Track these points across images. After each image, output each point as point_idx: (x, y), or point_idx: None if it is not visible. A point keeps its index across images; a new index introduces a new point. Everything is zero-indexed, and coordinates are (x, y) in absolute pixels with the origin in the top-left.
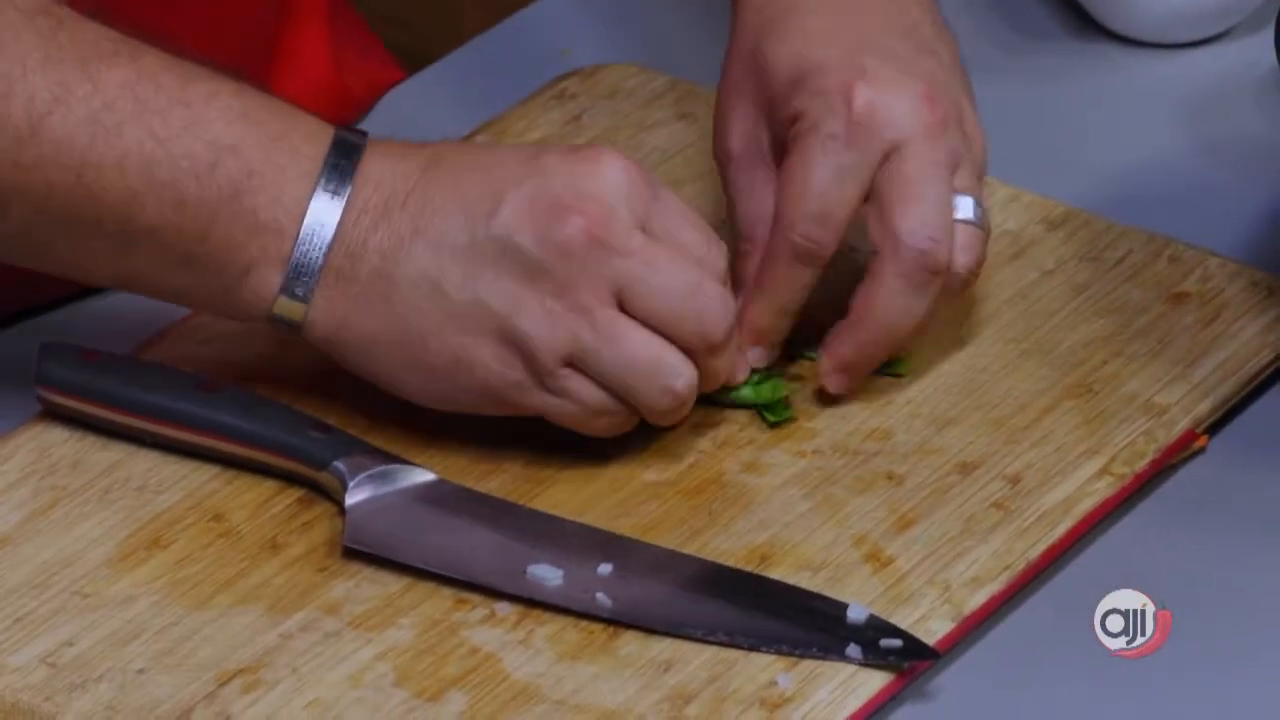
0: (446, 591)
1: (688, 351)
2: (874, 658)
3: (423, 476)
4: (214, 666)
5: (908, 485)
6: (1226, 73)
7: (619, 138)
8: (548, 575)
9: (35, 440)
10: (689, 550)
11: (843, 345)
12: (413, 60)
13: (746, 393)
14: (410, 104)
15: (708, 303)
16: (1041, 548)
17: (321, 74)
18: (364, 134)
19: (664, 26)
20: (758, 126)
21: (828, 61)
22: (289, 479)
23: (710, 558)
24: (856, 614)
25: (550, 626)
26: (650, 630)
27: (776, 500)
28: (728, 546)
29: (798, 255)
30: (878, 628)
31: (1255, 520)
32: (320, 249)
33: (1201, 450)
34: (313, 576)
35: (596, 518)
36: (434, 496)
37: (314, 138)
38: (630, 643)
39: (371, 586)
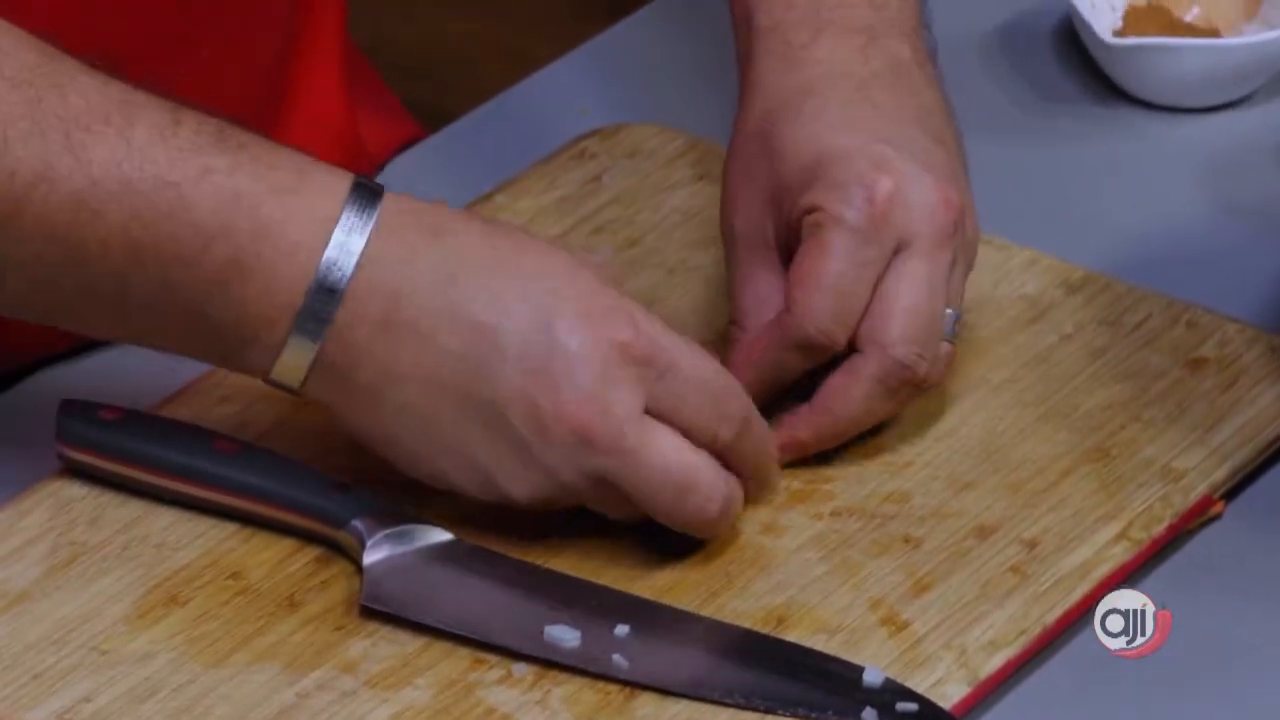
0: (463, 651)
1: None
2: None
3: (440, 536)
4: None
5: (925, 548)
6: (1247, 138)
7: (639, 198)
8: (565, 636)
9: (54, 496)
10: (706, 612)
11: (801, 429)
12: (432, 116)
13: None
14: (430, 160)
15: (685, 497)
16: (1058, 612)
17: (334, 124)
18: (369, 216)
19: (683, 85)
20: (764, 212)
21: (847, 151)
22: (307, 537)
23: (727, 619)
24: (873, 677)
25: (567, 687)
26: (667, 692)
27: (793, 562)
28: (744, 608)
29: (808, 346)
30: (894, 691)
31: (1271, 585)
32: (310, 350)
33: (1218, 516)
34: (330, 635)
35: (614, 579)
36: (452, 556)
37: (316, 224)
38: (647, 704)
39: (388, 645)
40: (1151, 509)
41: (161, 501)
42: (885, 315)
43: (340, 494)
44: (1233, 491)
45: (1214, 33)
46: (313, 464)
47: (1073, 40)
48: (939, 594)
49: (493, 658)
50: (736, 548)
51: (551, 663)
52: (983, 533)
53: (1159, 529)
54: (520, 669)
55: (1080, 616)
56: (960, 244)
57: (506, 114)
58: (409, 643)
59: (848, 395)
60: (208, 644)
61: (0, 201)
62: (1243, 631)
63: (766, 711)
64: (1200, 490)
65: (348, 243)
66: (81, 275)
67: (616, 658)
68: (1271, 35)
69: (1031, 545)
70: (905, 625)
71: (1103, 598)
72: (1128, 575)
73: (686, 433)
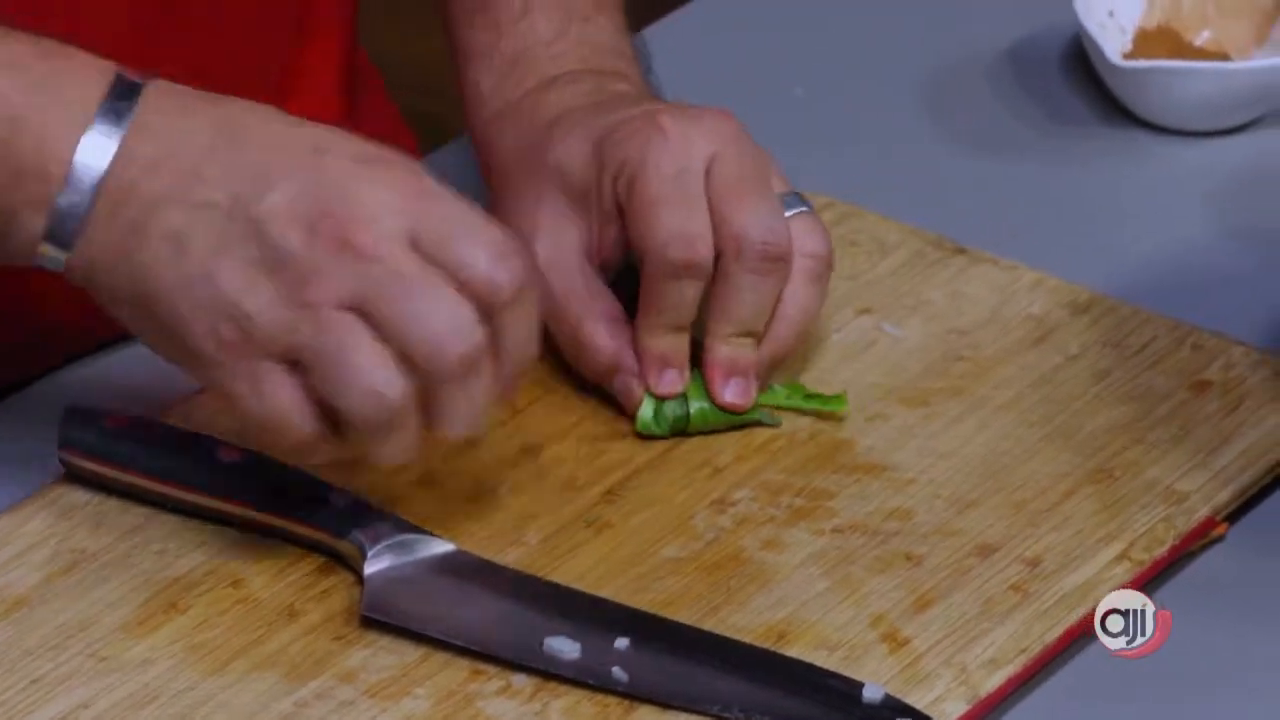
0: (463, 662)
1: (423, 376)
2: None
3: (442, 547)
4: None
5: (926, 566)
6: (1255, 162)
7: None
8: (565, 648)
9: (56, 502)
10: (707, 626)
11: (716, 349)
12: (438, 130)
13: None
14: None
15: (443, 326)
16: (1059, 631)
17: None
18: (151, 75)
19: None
20: (591, 228)
21: (615, 121)
22: (309, 547)
23: (727, 634)
24: (872, 693)
25: (566, 700)
26: (666, 705)
27: (795, 578)
28: (745, 623)
29: (676, 272)
30: (893, 707)
31: (1273, 608)
32: (86, 196)
33: (1221, 538)
34: (329, 644)
35: (615, 591)
36: (452, 567)
37: (90, 81)
38: (646, 718)
39: (388, 656)
40: (1154, 530)
41: (163, 509)
42: (725, 217)
43: (342, 503)
44: (1235, 514)
45: (1224, 57)
46: (315, 474)
47: (1082, 62)
48: (940, 611)
49: (492, 669)
50: (738, 562)
51: (551, 675)
52: (984, 551)
53: (1161, 550)
54: (519, 680)
55: (1081, 636)
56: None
57: None
58: (408, 653)
59: (730, 300)
60: (207, 652)
61: None
62: (1243, 654)
63: None
64: (1203, 512)
65: (128, 81)
66: None
67: (616, 670)
68: None
69: (1033, 564)
70: (906, 642)
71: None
72: None
73: (456, 271)
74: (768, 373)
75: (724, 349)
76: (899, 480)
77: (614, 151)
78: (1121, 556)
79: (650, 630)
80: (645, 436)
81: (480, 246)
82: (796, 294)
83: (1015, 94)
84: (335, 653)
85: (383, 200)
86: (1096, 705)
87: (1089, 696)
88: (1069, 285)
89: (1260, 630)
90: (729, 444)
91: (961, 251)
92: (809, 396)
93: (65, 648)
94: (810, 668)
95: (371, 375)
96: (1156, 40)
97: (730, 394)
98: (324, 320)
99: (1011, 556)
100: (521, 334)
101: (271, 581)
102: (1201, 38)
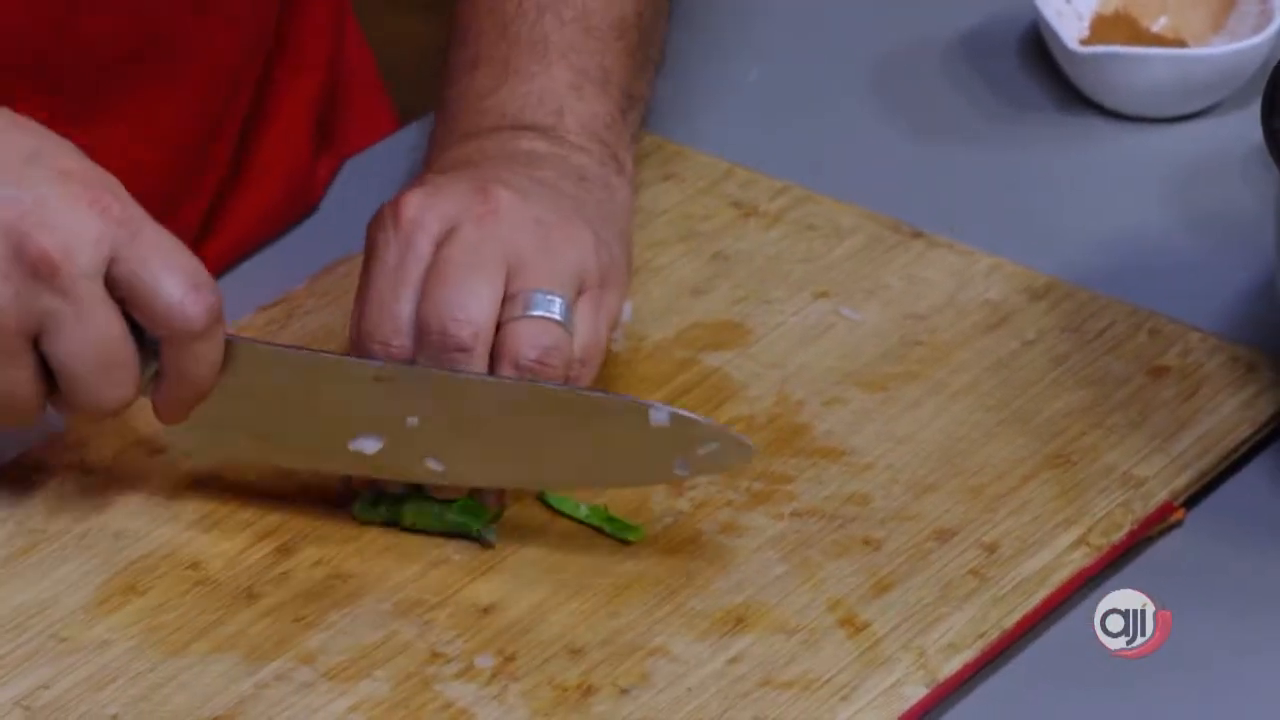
0: (421, 645)
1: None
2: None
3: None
4: (188, 714)
5: (885, 551)
6: (1213, 148)
7: None
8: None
9: (13, 484)
10: (664, 610)
11: None
12: None
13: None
14: (399, 151)
15: (102, 376)
16: (1017, 616)
17: (289, 164)
18: None
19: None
20: None
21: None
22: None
23: (686, 619)
24: (660, 416)
25: (525, 683)
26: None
27: (753, 562)
28: (703, 607)
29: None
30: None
31: (1229, 592)
32: None
33: (1179, 523)
34: (289, 626)
35: (572, 574)
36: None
37: None
38: (604, 701)
39: (346, 638)
40: (1112, 515)
41: (120, 491)
42: (424, 296)
43: None
44: (1193, 499)
45: (1180, 43)
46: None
47: (1039, 48)
48: (899, 595)
49: (451, 651)
50: (696, 546)
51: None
52: (943, 536)
53: (1119, 535)
54: (481, 661)
55: (1039, 621)
56: (526, 238)
57: None
58: (367, 635)
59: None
60: (167, 633)
61: None
62: (1201, 639)
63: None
64: (1161, 497)
65: None
66: None
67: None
68: (1237, 47)
69: (991, 549)
70: (864, 626)
71: (1060, 603)
72: (1086, 580)
73: (150, 300)
74: None
75: None
76: (857, 465)
77: (369, 234)
78: (1079, 541)
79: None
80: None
81: (175, 277)
82: None
83: (972, 79)
84: (295, 634)
85: (82, 224)
86: (1055, 689)
87: (1048, 681)
88: (1026, 270)
89: (1216, 614)
90: None
91: (919, 236)
92: (610, 519)
93: (25, 628)
94: (591, 399)
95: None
96: (1113, 26)
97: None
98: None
99: (969, 541)
100: (203, 367)
101: (230, 564)
102: (1158, 24)
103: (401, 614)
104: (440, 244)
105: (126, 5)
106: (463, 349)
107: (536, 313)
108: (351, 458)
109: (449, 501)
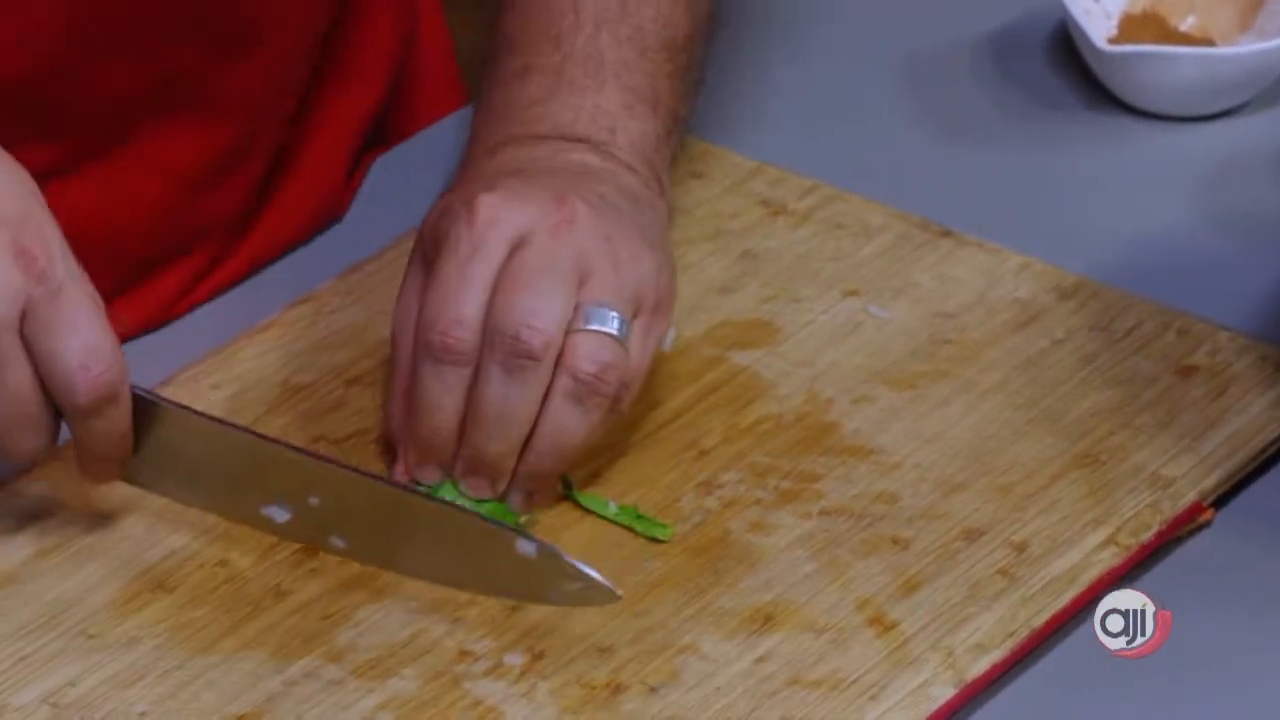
0: (450, 643)
1: None
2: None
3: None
4: (216, 712)
5: (913, 550)
6: (1240, 147)
7: None
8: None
9: (43, 480)
10: (693, 608)
11: (464, 449)
12: None
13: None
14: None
15: (11, 427)
16: (1046, 616)
17: (325, 181)
18: None
19: None
20: None
21: (460, 189)
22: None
23: (714, 617)
24: (526, 547)
25: (554, 681)
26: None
27: (782, 561)
28: (732, 606)
29: (432, 354)
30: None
31: (1259, 593)
32: None
33: (1208, 523)
34: (317, 624)
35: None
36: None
37: None
38: (634, 699)
39: (375, 635)
40: (1140, 515)
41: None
42: (496, 301)
43: None
44: (1222, 499)
45: (1209, 42)
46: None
47: (1068, 47)
48: (927, 595)
49: (480, 649)
50: (725, 544)
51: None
52: (971, 535)
53: (1147, 535)
54: (511, 659)
55: (1068, 621)
56: (596, 251)
57: None
58: (396, 633)
59: (475, 392)
60: (194, 630)
61: None
62: (1228, 638)
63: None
64: (1189, 497)
65: None
66: None
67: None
68: (1265, 46)
69: (1020, 548)
70: (893, 625)
71: (1090, 603)
72: (1116, 580)
73: (48, 360)
74: (527, 484)
75: (466, 445)
76: (885, 463)
77: (432, 225)
78: (1108, 541)
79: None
80: None
81: (72, 349)
82: (552, 412)
83: (1001, 79)
84: (323, 632)
85: (2, 275)
86: (1084, 691)
87: (1076, 682)
88: (1055, 269)
89: (1245, 615)
90: (716, 426)
91: (947, 234)
92: (640, 518)
93: (54, 625)
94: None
95: None
96: (1142, 25)
97: (466, 487)
98: None
99: (998, 540)
100: (98, 440)
101: (259, 560)
102: (1187, 23)
103: (430, 611)
104: (515, 248)
105: (143, 51)
106: (533, 357)
107: (596, 326)
108: (265, 522)
109: (480, 502)
